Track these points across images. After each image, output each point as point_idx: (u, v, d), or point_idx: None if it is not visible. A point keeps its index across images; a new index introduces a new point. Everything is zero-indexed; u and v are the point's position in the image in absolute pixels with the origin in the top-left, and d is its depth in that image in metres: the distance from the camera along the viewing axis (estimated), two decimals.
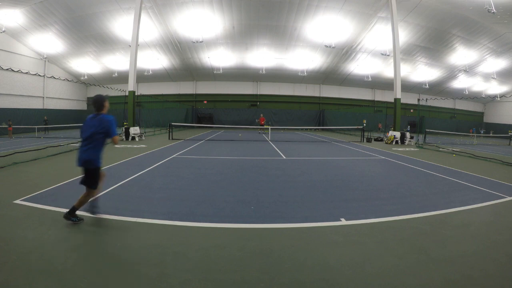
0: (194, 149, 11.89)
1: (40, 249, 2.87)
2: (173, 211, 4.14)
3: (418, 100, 19.58)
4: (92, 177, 3.47)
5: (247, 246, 3.10)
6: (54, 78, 23.07)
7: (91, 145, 3.41)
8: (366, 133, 18.81)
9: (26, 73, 18.68)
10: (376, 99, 34.79)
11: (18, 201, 4.35)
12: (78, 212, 3.58)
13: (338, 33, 23.37)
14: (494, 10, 17.20)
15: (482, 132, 34.23)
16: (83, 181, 3.50)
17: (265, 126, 21.82)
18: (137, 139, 15.94)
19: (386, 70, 28.95)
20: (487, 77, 30.24)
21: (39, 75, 22.25)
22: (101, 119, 3.52)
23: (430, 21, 21.68)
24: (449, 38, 23.89)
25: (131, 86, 17.61)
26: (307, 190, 5.52)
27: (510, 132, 22.89)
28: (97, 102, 3.64)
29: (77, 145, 12.51)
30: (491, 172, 8.02)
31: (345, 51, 26.17)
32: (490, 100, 36.47)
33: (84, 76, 30.08)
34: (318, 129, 31.22)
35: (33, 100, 25.21)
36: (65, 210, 3.98)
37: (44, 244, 2.98)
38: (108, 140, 3.60)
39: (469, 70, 28.46)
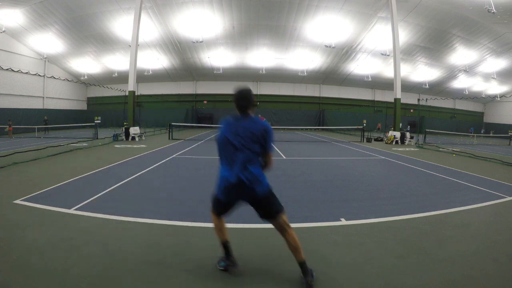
0: (194, 149, 11.89)
1: (40, 249, 2.87)
2: (173, 211, 4.13)
3: (418, 100, 19.60)
4: (272, 199, 2.40)
5: (247, 246, 3.10)
6: (54, 78, 23.08)
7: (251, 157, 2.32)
8: (366, 133, 18.80)
9: (26, 73, 18.71)
10: (376, 99, 34.79)
11: (18, 201, 4.35)
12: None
13: (338, 33, 23.37)
14: (494, 10, 17.20)
15: (482, 132, 34.22)
16: (264, 214, 2.39)
17: None
18: (137, 139, 15.94)
19: (386, 70, 28.95)
20: (487, 77, 30.24)
21: (39, 75, 22.26)
22: (260, 123, 2.38)
23: (430, 21, 21.67)
24: (449, 38, 23.89)
25: (131, 86, 17.61)
26: (307, 190, 5.52)
27: (510, 132, 22.88)
28: (247, 97, 2.40)
29: (77, 144, 12.54)
30: (491, 172, 8.02)
31: (345, 51, 26.17)
32: (490, 100, 36.47)
33: (84, 76, 30.08)
34: (318, 129, 31.22)
35: (33, 100, 25.21)
36: (65, 210, 3.99)
37: (44, 244, 2.98)
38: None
39: (469, 70, 28.46)
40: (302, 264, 2.35)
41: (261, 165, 2.41)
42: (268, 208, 2.36)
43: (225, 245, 2.53)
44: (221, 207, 2.45)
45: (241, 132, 2.29)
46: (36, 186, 5.25)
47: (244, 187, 2.27)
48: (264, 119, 24.79)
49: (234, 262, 2.51)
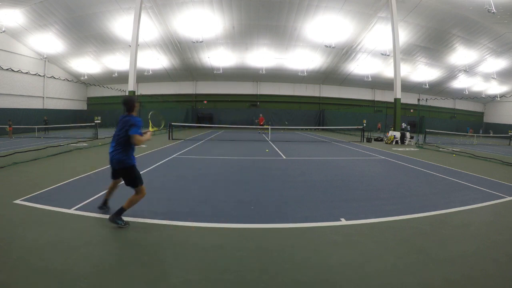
0: (194, 149, 11.90)
1: (40, 249, 2.87)
2: (173, 211, 4.13)
3: (418, 100, 19.58)
4: (129, 175, 3.54)
5: (247, 246, 3.10)
6: (54, 78, 23.09)
7: (120, 145, 3.52)
8: (366, 133, 18.81)
9: (26, 73, 18.69)
10: (376, 99, 34.80)
11: (18, 201, 4.35)
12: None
13: (338, 33, 23.38)
14: (494, 10, 17.21)
15: (480, 132, 34.22)
16: (126, 183, 3.59)
17: (265, 126, 21.82)
18: None
19: (386, 70, 28.96)
20: (487, 77, 30.25)
21: (39, 75, 22.26)
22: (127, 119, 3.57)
23: (430, 21, 21.69)
24: (449, 38, 23.90)
25: (131, 86, 17.62)
26: (307, 190, 5.52)
27: (510, 132, 22.89)
28: (128, 103, 3.66)
29: (77, 144, 12.54)
30: (491, 172, 8.02)
31: (345, 51, 26.18)
32: (490, 100, 36.49)
33: (84, 76, 30.09)
34: (318, 129, 31.22)
35: (33, 100, 25.22)
36: (65, 210, 4.00)
37: (44, 244, 2.98)
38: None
39: (469, 70, 28.47)
40: (121, 208, 3.46)
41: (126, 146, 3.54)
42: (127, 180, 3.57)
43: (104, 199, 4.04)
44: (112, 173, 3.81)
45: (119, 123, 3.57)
46: (36, 186, 5.25)
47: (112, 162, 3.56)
48: (264, 119, 24.85)
49: (100, 206, 4.00)
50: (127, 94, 18.18)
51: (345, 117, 31.57)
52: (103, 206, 3.97)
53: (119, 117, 3.63)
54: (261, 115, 25.09)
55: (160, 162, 8.30)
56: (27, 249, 2.86)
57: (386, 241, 3.25)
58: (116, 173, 3.69)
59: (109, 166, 3.65)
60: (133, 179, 3.50)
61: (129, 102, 3.62)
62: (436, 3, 19.61)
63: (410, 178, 6.98)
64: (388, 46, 23.01)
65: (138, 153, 10.18)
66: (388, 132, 18.44)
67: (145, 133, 3.71)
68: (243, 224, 3.67)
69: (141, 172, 6.74)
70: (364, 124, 20.08)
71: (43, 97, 26.73)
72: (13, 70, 15.63)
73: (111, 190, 3.98)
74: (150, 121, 4.68)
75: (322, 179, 6.58)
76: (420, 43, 24.55)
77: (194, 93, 33.57)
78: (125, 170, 3.50)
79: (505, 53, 25.54)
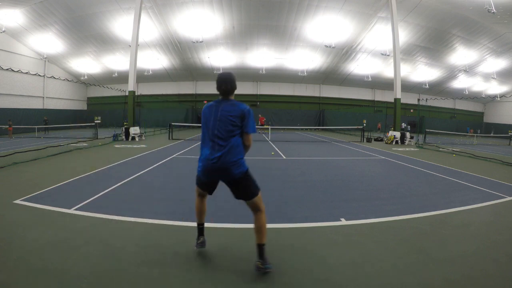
0: (194, 149, 11.89)
1: (40, 249, 2.87)
2: (173, 211, 4.13)
3: (418, 100, 19.59)
4: (248, 181, 2.51)
5: (247, 246, 3.09)
6: (54, 78, 23.08)
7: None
8: (366, 133, 18.80)
9: (26, 73, 18.69)
10: (376, 99, 34.80)
11: (18, 201, 4.35)
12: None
13: (338, 33, 23.37)
14: (494, 10, 17.20)
15: (478, 132, 34.20)
16: (240, 195, 2.51)
17: (265, 126, 21.83)
18: (137, 139, 15.95)
19: (386, 70, 28.96)
20: (487, 77, 30.25)
21: (39, 75, 22.26)
22: (239, 104, 2.49)
23: (430, 21, 21.68)
24: (449, 38, 23.90)
25: (131, 86, 17.61)
26: (307, 190, 5.52)
27: (510, 132, 22.88)
28: (229, 82, 2.51)
29: (77, 144, 12.53)
30: (491, 172, 8.02)
31: (345, 51, 26.17)
32: (490, 100, 36.48)
33: (84, 76, 30.08)
34: (318, 129, 31.22)
35: (33, 100, 25.22)
36: (65, 210, 3.99)
37: (44, 244, 2.98)
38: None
39: (469, 70, 28.47)
40: (260, 246, 2.44)
41: (241, 147, 2.50)
42: (244, 190, 2.48)
43: (199, 227, 2.79)
44: (203, 184, 2.62)
45: (221, 112, 2.43)
46: (36, 186, 5.25)
47: (222, 169, 2.39)
48: (265, 119, 24.85)
49: (200, 241, 2.77)
50: (127, 94, 18.09)
51: (345, 117, 31.57)
52: (202, 238, 2.80)
53: (213, 105, 2.50)
54: (260, 115, 25.09)
55: (160, 162, 8.30)
56: (27, 249, 2.86)
57: (386, 241, 3.24)
58: (229, 184, 2.51)
59: (204, 178, 2.53)
60: (254, 184, 2.52)
61: (230, 80, 2.49)
62: (436, 3, 19.61)
63: (410, 178, 6.98)
64: (388, 46, 23.00)
65: (138, 153, 10.19)
66: (388, 132, 18.44)
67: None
68: (243, 224, 3.67)
69: (141, 172, 6.79)
70: (364, 124, 20.07)
71: (43, 97, 26.72)
72: (13, 70, 15.62)
73: (203, 212, 2.83)
74: None
75: (322, 179, 6.58)
76: (420, 43, 24.55)
77: (194, 93, 33.57)
78: (245, 175, 2.48)
79: (505, 53, 25.53)
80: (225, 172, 2.40)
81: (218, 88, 2.49)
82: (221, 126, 2.39)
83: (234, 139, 2.42)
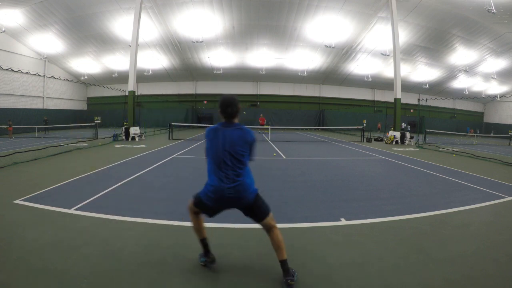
0: (194, 149, 11.89)
1: (40, 249, 2.87)
2: (173, 211, 4.13)
3: (418, 100, 19.59)
4: (260, 202, 2.46)
5: (247, 246, 3.10)
6: (54, 78, 23.08)
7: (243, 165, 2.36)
8: (366, 133, 18.81)
9: (26, 73, 18.69)
10: (376, 99, 34.80)
11: (18, 201, 4.35)
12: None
13: (338, 33, 23.37)
14: (494, 10, 17.20)
15: (478, 132, 34.20)
16: (255, 217, 2.46)
17: (265, 126, 21.83)
18: (137, 139, 15.95)
19: (386, 70, 28.95)
20: (487, 77, 30.25)
21: (39, 75, 22.26)
22: (246, 131, 2.41)
23: (430, 21, 21.68)
24: (449, 38, 23.90)
25: (131, 86, 17.61)
26: (307, 190, 5.52)
27: (510, 132, 22.88)
28: (233, 104, 2.38)
29: (77, 144, 12.53)
30: (491, 172, 8.02)
31: (345, 51, 26.17)
32: (490, 100, 36.48)
33: (84, 76, 30.08)
34: (318, 129, 31.22)
35: (33, 100, 25.21)
36: (65, 210, 3.99)
37: (44, 244, 2.98)
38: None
39: (469, 70, 28.47)
40: (283, 263, 2.36)
41: (250, 173, 2.44)
42: (257, 212, 2.42)
43: (203, 242, 2.59)
44: (209, 210, 2.45)
45: (230, 140, 2.30)
46: (36, 186, 5.25)
47: (238, 197, 2.31)
48: (265, 119, 24.84)
49: (212, 259, 2.57)
50: (127, 94, 18.09)
51: (345, 117, 31.56)
52: (210, 255, 2.61)
53: (219, 129, 2.36)
54: (261, 115, 25.09)
55: (160, 162, 8.30)
56: (27, 249, 2.86)
57: (386, 241, 3.24)
58: (242, 209, 2.42)
59: (213, 205, 2.39)
60: (265, 204, 2.48)
61: (235, 103, 2.39)
62: (436, 3, 19.60)
63: (410, 178, 6.98)
64: (388, 46, 23.00)
65: (138, 153, 10.19)
66: (388, 132, 18.44)
67: None
68: (243, 224, 3.66)
69: (141, 173, 6.79)
70: (364, 124, 20.08)
71: (43, 97, 26.72)
72: (13, 70, 15.62)
73: (203, 228, 2.66)
74: None
75: (322, 179, 6.58)
76: (420, 43, 24.55)
77: (194, 93, 33.56)
78: (257, 197, 2.44)
79: (505, 53, 25.53)
80: (240, 201, 2.33)
81: (223, 111, 2.37)
82: (233, 157, 2.28)
83: (246, 167, 2.39)
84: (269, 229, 2.43)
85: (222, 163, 2.28)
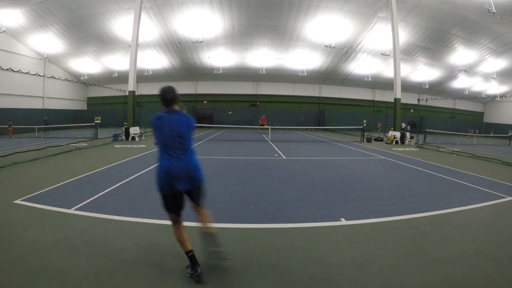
0: (194, 149, 11.89)
1: (40, 249, 2.87)
2: None
3: (418, 100, 19.57)
4: (204, 189, 2.69)
5: (247, 246, 3.10)
6: (54, 78, 23.06)
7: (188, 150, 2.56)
8: (366, 133, 18.80)
9: (26, 73, 18.68)
10: (376, 99, 34.78)
11: (18, 201, 4.35)
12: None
13: (338, 33, 23.36)
14: (494, 10, 17.20)
15: (477, 132, 34.18)
16: (199, 200, 2.62)
17: (265, 126, 21.83)
18: (137, 139, 15.94)
19: (386, 70, 28.94)
20: (487, 77, 30.24)
21: (39, 75, 22.24)
22: (189, 117, 2.65)
23: (430, 21, 21.68)
24: (449, 38, 23.89)
25: (131, 86, 17.61)
26: (307, 190, 5.52)
27: (510, 132, 22.88)
28: (170, 91, 2.63)
29: (77, 144, 12.53)
30: (491, 172, 8.02)
31: (345, 51, 26.16)
32: (490, 100, 36.47)
33: (84, 76, 30.07)
34: (318, 129, 31.21)
35: (33, 100, 25.20)
36: (65, 210, 3.99)
37: (44, 244, 2.98)
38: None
39: (469, 70, 28.46)
40: (209, 235, 2.60)
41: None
42: (200, 195, 2.62)
43: (188, 255, 2.48)
44: (171, 203, 2.53)
45: (176, 125, 2.51)
46: (36, 186, 5.25)
47: (188, 177, 2.48)
48: (265, 119, 24.81)
49: (198, 273, 2.42)
50: (127, 94, 18.09)
51: (345, 117, 31.54)
52: (197, 268, 2.45)
53: (164, 116, 2.55)
54: (263, 115, 25.07)
55: None
56: (27, 249, 2.86)
57: (386, 241, 3.24)
58: (189, 193, 2.56)
59: (168, 190, 2.47)
60: (205, 193, 2.70)
61: (171, 90, 2.65)
62: (436, 3, 19.60)
63: (410, 178, 6.98)
64: (388, 46, 22.99)
65: (138, 153, 10.19)
66: (388, 132, 18.43)
67: None
68: (243, 224, 3.67)
69: (141, 173, 6.79)
70: (364, 124, 20.06)
71: (43, 97, 26.71)
72: (13, 70, 15.61)
73: (186, 239, 2.56)
74: None
75: (322, 179, 6.58)
76: (420, 43, 24.54)
77: (194, 93, 33.55)
78: (203, 183, 2.65)
79: (505, 53, 25.52)
80: (190, 179, 2.50)
81: (164, 99, 2.60)
82: (181, 140, 2.49)
83: (192, 153, 2.60)
84: (202, 210, 2.66)
85: (171, 146, 2.46)
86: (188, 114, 2.65)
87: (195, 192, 2.57)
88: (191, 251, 2.49)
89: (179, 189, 2.45)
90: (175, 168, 2.42)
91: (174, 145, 2.46)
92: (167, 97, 2.59)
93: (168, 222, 3.65)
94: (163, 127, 2.48)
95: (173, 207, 2.53)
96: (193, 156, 2.59)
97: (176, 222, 2.56)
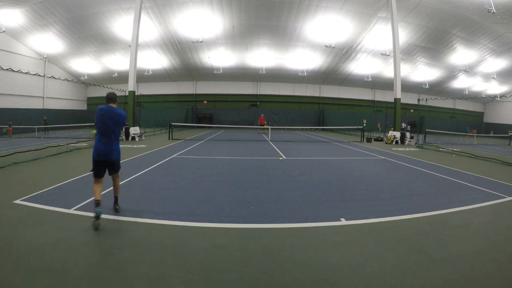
0: (194, 149, 11.89)
1: (40, 249, 2.87)
2: (173, 211, 4.14)
3: (418, 100, 19.58)
4: (118, 164, 3.99)
5: (247, 246, 3.10)
6: (54, 78, 23.06)
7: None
8: (366, 133, 18.80)
9: (26, 73, 18.65)
10: (376, 99, 34.79)
11: (18, 201, 4.35)
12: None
13: (338, 33, 23.38)
14: (494, 10, 17.21)
15: (476, 132, 34.13)
16: (114, 171, 3.95)
17: (265, 126, 21.83)
18: (137, 139, 15.95)
19: (386, 70, 28.95)
20: (487, 77, 30.25)
21: (39, 75, 22.24)
22: (122, 113, 3.85)
23: (430, 21, 21.69)
24: (449, 38, 23.90)
25: (131, 86, 17.62)
26: (307, 190, 5.52)
27: (510, 132, 22.88)
28: (112, 94, 3.94)
29: (77, 144, 12.53)
30: (491, 172, 8.02)
31: (345, 51, 26.17)
32: (490, 100, 36.49)
33: (84, 76, 30.09)
34: (318, 129, 31.22)
35: (33, 100, 25.22)
36: (65, 210, 4.00)
37: (44, 244, 2.98)
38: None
39: (469, 70, 28.47)
40: (116, 198, 4.05)
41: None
42: (115, 168, 3.91)
43: (97, 202, 3.47)
44: (97, 168, 3.72)
45: (112, 117, 3.69)
46: (36, 186, 5.25)
47: (107, 155, 3.71)
48: (265, 119, 24.81)
49: (95, 219, 3.38)
50: (127, 94, 18.15)
51: (345, 117, 31.55)
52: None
53: (107, 109, 3.69)
54: (262, 115, 25.07)
55: (160, 162, 8.30)
56: (27, 249, 2.86)
57: (386, 241, 3.24)
58: (109, 166, 3.85)
59: (100, 161, 3.70)
60: (119, 167, 4.02)
61: (113, 94, 3.92)
62: (436, 3, 19.61)
63: (410, 178, 6.98)
64: (388, 46, 23.00)
65: (138, 153, 10.20)
66: (388, 132, 18.44)
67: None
68: (243, 224, 3.67)
69: (141, 172, 6.80)
70: (364, 124, 20.07)
71: (43, 97, 26.72)
72: (13, 70, 15.59)
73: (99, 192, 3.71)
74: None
75: (322, 179, 6.58)
76: (420, 43, 24.55)
77: (194, 93, 33.56)
78: (118, 161, 3.92)
79: (505, 53, 25.53)
80: (110, 158, 3.72)
81: (108, 98, 3.80)
82: (113, 129, 3.70)
83: (118, 141, 3.86)
84: (114, 178, 3.99)
85: (105, 132, 3.65)
86: (123, 111, 3.87)
87: (112, 166, 3.84)
88: (98, 200, 3.48)
89: (102, 162, 3.71)
90: (103, 149, 3.68)
91: (108, 132, 3.68)
92: (111, 96, 3.84)
93: (169, 222, 3.69)
94: (104, 117, 3.65)
95: (98, 173, 3.73)
96: (117, 144, 3.83)
97: (97, 182, 3.70)
